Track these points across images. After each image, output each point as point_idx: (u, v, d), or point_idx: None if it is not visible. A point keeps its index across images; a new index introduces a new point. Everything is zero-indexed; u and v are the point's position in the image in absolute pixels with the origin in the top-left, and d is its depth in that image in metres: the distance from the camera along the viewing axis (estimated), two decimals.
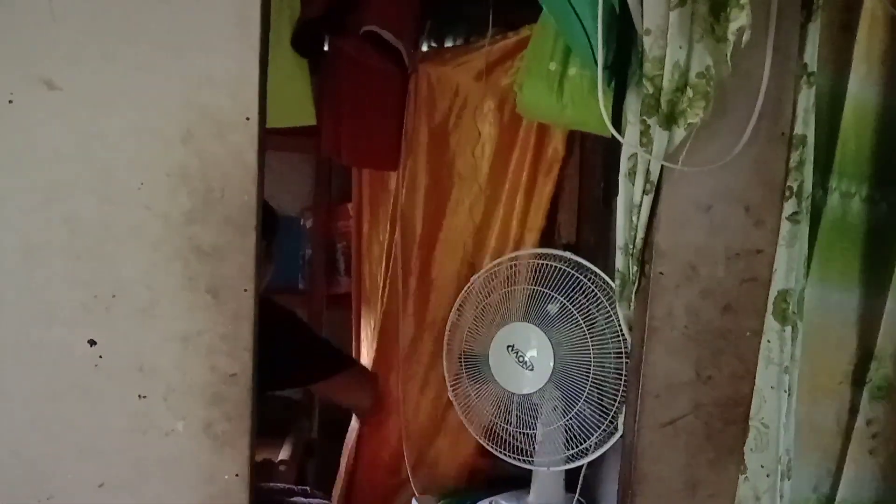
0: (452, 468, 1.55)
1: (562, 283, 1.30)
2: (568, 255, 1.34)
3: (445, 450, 1.56)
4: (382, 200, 1.73)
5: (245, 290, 0.99)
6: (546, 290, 1.31)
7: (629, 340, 1.13)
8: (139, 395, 0.99)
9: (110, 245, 0.97)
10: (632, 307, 1.10)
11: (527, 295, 1.35)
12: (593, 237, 1.55)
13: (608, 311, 1.23)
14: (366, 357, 1.81)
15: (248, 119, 0.97)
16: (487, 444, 1.40)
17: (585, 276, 1.29)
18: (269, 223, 1.54)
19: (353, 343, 1.89)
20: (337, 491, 1.73)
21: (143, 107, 0.96)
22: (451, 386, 1.44)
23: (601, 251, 1.50)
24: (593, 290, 1.27)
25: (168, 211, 0.97)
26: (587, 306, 1.27)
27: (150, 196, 0.97)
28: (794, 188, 1.06)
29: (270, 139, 1.97)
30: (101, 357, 0.98)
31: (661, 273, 1.05)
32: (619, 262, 1.10)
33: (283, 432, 1.96)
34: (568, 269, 1.32)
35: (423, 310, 1.56)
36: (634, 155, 1.04)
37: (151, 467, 1.01)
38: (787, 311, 1.06)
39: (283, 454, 1.86)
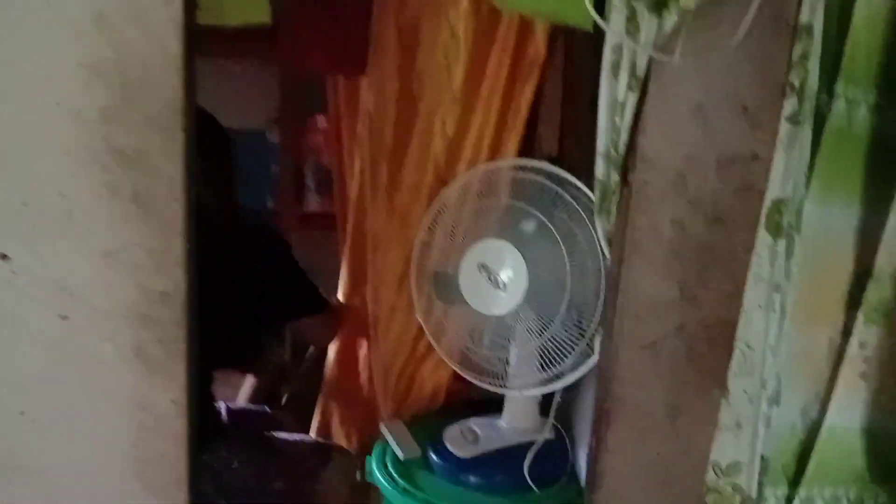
0: (426, 392, 1.47)
1: (541, 197, 1.19)
2: (546, 165, 1.22)
3: (418, 374, 1.47)
4: (356, 110, 1.59)
5: (175, 201, 0.88)
6: (523, 206, 1.20)
7: (608, 257, 1.03)
8: (60, 316, 0.89)
9: (15, 146, 0.85)
10: (612, 220, 1.00)
11: (501, 210, 1.23)
12: (577, 149, 1.43)
13: (590, 229, 1.12)
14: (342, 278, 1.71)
15: None
16: (459, 369, 1.32)
17: (567, 191, 1.18)
18: (217, 138, 1.44)
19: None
20: (316, 420, 1.66)
21: None
22: (422, 309, 1.35)
23: (585, 164, 1.38)
24: (574, 206, 1.16)
25: (81, 108, 0.85)
26: (567, 223, 1.16)
27: (59, 90, 0.84)
28: (796, 85, 0.93)
29: (229, 45, 1.79)
30: (13, 273, 0.87)
31: (645, 182, 0.94)
32: (600, 169, 0.98)
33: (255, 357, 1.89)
34: (547, 183, 1.21)
35: (393, 228, 1.45)
36: (619, 46, 0.91)
37: (77, 394, 0.92)
38: (781, 223, 0.95)
39: (252, 379, 1.79)
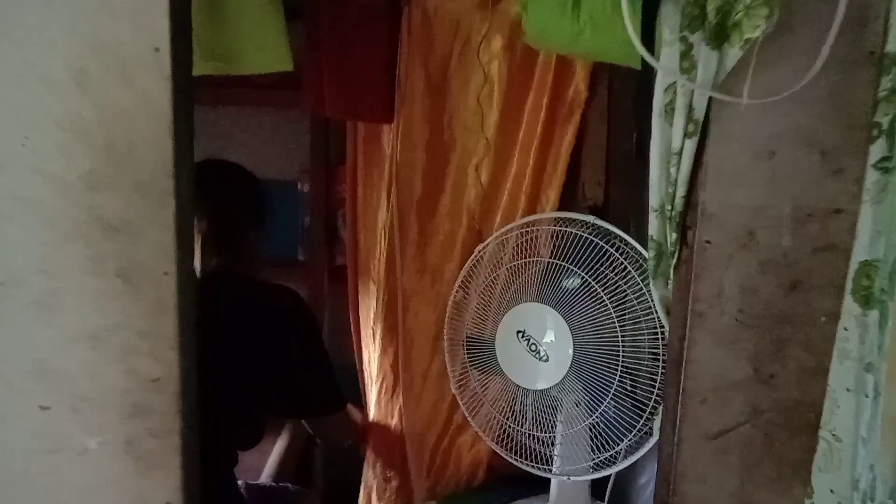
0: (464, 467, 1.34)
1: (584, 254, 1.06)
2: (592, 219, 1.09)
3: (455, 447, 1.34)
4: (377, 160, 1.49)
5: (165, 274, 0.78)
6: (564, 264, 1.07)
7: (667, 327, 0.89)
8: (41, 406, 0.79)
9: None
10: (670, 285, 0.86)
11: (541, 269, 1.11)
12: (624, 198, 1.30)
13: (641, 288, 0.99)
14: (365, 340, 1.59)
15: (157, 50, 0.74)
16: (498, 448, 1.18)
17: (614, 246, 1.04)
18: (255, 195, 1.31)
19: (351, 317, 1.67)
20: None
21: (22, 42, 0.74)
22: (455, 378, 1.22)
23: (633, 215, 1.25)
24: (623, 263, 1.02)
25: (62, 174, 0.76)
26: (615, 282, 1.03)
27: (37, 156, 0.75)
28: (885, 125, 0.79)
29: (260, 94, 1.69)
30: None
31: (707, 242, 0.80)
32: (654, 227, 0.85)
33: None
34: (592, 238, 1.08)
35: (424, 286, 1.33)
36: (673, 85, 0.79)
37: (64, 494, 0.81)
38: (872, 290, 0.80)
39: (282, 443, 1.67)
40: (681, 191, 0.81)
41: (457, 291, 1.25)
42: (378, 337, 1.49)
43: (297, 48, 1.29)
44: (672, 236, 0.83)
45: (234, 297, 1.18)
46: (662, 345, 0.94)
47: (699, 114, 0.78)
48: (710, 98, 0.77)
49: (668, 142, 0.81)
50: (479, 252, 1.20)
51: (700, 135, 0.78)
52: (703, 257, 0.81)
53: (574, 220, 1.13)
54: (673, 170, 0.81)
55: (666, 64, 0.77)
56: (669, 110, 0.80)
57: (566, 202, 1.29)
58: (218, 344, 1.06)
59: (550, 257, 1.11)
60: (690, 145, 0.79)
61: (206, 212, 1.19)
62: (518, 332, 1.08)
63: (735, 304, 0.81)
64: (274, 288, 1.23)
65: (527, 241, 1.17)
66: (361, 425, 1.44)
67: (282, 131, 1.92)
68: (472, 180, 1.30)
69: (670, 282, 0.86)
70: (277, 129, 1.92)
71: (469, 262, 1.22)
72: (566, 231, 1.11)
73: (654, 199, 0.84)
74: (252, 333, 1.15)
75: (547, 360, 1.04)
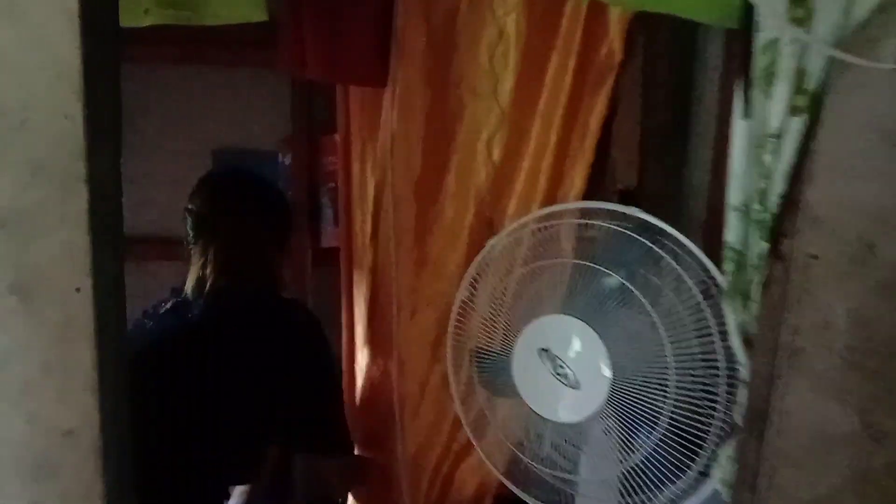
0: (466, 496, 1.14)
1: (624, 254, 0.86)
2: (634, 211, 0.88)
3: (458, 472, 1.15)
4: (374, 129, 1.27)
5: (77, 290, 0.57)
6: (597, 266, 0.87)
7: (745, 362, 0.69)
8: None
9: None
10: (753, 310, 0.65)
11: (568, 272, 0.90)
12: (663, 181, 1.09)
13: (699, 302, 0.79)
14: (358, 338, 1.38)
15: None
16: (506, 479, 0.99)
17: (662, 246, 0.84)
18: (282, 216, 1.22)
19: (344, 314, 1.46)
20: None
21: None
22: (459, 396, 1.02)
23: (674, 203, 1.05)
24: (675, 267, 0.82)
25: None
26: (664, 291, 0.83)
27: None
28: None
29: (232, 51, 1.50)
30: None
31: (813, 256, 0.60)
32: (733, 231, 0.65)
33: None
34: (631, 233, 0.87)
35: (423, 282, 1.14)
36: (776, 42, 0.57)
37: None
38: None
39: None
40: (777, 186, 0.60)
41: (464, 290, 1.04)
42: (367, 338, 1.29)
43: None
44: (759, 245, 0.63)
45: (240, 313, 1.09)
46: (728, 378, 0.74)
47: (813, 82, 0.56)
48: (830, 62, 0.56)
49: (763, 119, 0.59)
50: (491, 248, 0.99)
51: (811, 111, 0.57)
52: (807, 276, 0.60)
53: (608, 210, 0.92)
54: (768, 157, 0.60)
55: (769, 8, 0.56)
56: (768, 76, 0.59)
57: (594, 186, 1.08)
58: (218, 363, 1.01)
59: (578, 258, 0.90)
60: (797, 125, 0.58)
61: (221, 231, 1.11)
62: (540, 349, 0.87)
63: (843, 337, 0.61)
64: (286, 303, 1.17)
65: (548, 235, 0.96)
66: (360, 482, 1.26)
67: (259, 95, 1.69)
68: (483, 157, 1.09)
69: (752, 305, 0.65)
70: (254, 93, 1.69)
71: (479, 257, 1.01)
72: (598, 224, 0.90)
73: (734, 195, 0.64)
74: (258, 349, 1.07)
75: (577, 388, 0.84)
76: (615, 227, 0.89)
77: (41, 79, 0.53)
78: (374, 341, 1.28)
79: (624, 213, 0.89)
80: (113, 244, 0.59)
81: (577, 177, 1.07)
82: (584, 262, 0.89)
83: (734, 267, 0.66)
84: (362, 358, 1.31)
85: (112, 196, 0.59)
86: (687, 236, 0.84)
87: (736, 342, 0.69)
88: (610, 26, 1.03)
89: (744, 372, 0.69)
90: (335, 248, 1.62)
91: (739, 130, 0.62)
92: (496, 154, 1.09)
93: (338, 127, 1.44)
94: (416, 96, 1.10)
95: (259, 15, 1.09)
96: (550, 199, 1.07)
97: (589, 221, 0.91)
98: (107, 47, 0.57)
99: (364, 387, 1.30)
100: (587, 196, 1.03)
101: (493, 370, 0.96)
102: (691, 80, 1.11)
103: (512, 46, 1.06)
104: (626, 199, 1.07)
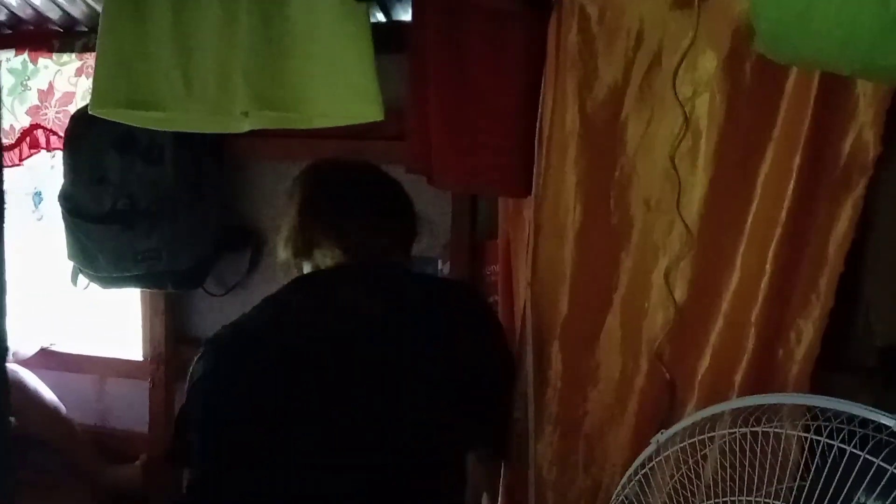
0: None
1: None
2: None
3: None
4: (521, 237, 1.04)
5: None
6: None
7: None
8: None
9: None
10: None
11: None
12: None
13: None
14: None
15: None
16: None
17: None
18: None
19: None
20: None
21: None
22: None
23: None
24: None
25: None
26: None
27: None
28: None
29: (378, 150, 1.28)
30: None
31: None
32: None
33: None
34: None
35: (570, 461, 0.83)
36: None
37: None
38: None
39: None
40: None
41: (629, 482, 0.73)
42: None
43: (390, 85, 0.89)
44: None
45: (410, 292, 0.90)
46: None
47: None
48: None
49: None
50: (658, 443, 0.67)
51: None
52: None
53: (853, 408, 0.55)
54: None
55: None
56: None
57: (832, 342, 0.72)
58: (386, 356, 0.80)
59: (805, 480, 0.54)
60: None
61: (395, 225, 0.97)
62: None
63: None
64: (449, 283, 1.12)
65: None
66: None
67: (421, 198, 1.52)
68: (660, 295, 0.80)
69: None
70: (414, 193, 1.52)
71: (645, 453, 0.69)
72: (841, 429, 0.54)
73: None
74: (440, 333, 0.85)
75: None
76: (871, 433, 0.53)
77: None
78: None
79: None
80: None
81: (808, 329, 0.74)
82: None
83: None
84: None
85: None
86: None
87: None
88: (857, 107, 0.73)
89: None
90: None
91: None
92: (679, 291, 0.78)
93: (499, 231, 1.22)
94: (562, 209, 0.83)
95: (375, 114, 0.90)
96: (762, 361, 0.74)
97: (823, 425, 0.55)
98: None
99: None
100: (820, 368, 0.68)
101: None
102: None
103: (703, 139, 0.77)
104: (888, 362, 0.70)
